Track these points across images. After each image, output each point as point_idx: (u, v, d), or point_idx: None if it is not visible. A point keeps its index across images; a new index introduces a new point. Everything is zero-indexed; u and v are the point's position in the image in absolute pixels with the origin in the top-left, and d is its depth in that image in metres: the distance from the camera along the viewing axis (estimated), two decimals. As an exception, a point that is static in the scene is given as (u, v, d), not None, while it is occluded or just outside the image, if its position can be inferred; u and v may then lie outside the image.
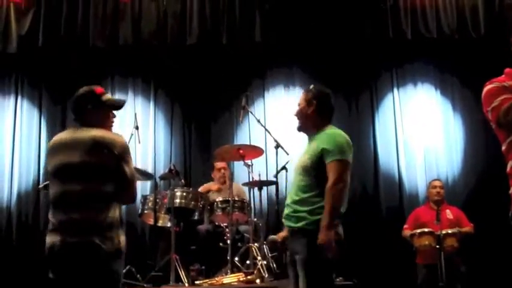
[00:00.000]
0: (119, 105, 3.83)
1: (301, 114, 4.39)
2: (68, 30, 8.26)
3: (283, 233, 4.33)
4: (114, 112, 3.81)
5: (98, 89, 3.76)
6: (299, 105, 4.43)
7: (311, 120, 4.30)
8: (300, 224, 4.00)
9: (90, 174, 3.44)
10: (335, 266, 4.05)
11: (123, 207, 3.79)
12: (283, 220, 4.21)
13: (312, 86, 4.47)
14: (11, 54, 8.38)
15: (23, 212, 8.70)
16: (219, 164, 7.82)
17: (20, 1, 8.13)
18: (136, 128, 7.42)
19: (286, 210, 4.17)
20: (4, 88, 9.01)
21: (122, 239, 3.49)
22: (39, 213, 8.67)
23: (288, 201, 4.19)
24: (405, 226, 7.58)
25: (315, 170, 4.04)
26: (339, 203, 3.95)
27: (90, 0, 8.24)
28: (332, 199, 3.91)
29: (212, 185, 7.82)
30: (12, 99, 8.97)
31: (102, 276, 3.41)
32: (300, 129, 4.44)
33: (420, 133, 8.98)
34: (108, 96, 3.81)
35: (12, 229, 8.60)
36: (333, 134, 4.16)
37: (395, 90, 9.12)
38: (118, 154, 3.48)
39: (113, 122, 3.80)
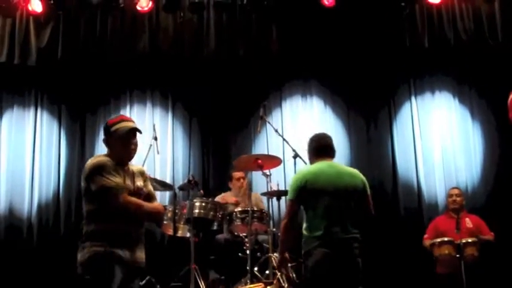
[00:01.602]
0: (123, 133, 4.07)
1: None
2: (86, 43, 8.37)
3: None
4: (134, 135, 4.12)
5: (112, 119, 4.23)
6: None
7: None
8: None
9: (83, 195, 4.04)
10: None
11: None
12: None
13: None
14: (31, 67, 8.49)
15: (43, 222, 8.80)
16: (237, 174, 7.84)
17: (39, 14, 8.20)
18: (155, 138, 7.49)
19: None
20: (24, 101, 9.12)
21: (84, 251, 3.88)
22: (60, 223, 8.76)
23: None
24: (425, 236, 7.55)
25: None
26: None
27: (108, 13, 8.32)
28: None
29: (229, 198, 7.82)
30: (32, 111, 9.08)
31: None
32: None
33: (439, 142, 8.93)
34: (118, 126, 4.10)
35: (33, 239, 8.71)
36: None
37: (413, 99, 9.09)
38: (85, 178, 3.96)
39: (131, 146, 4.11)
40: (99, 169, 3.91)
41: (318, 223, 4.80)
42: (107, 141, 4.13)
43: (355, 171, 5.16)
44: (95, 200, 3.92)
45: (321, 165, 5.01)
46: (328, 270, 4.70)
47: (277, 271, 5.40)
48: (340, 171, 5.02)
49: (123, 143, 4.06)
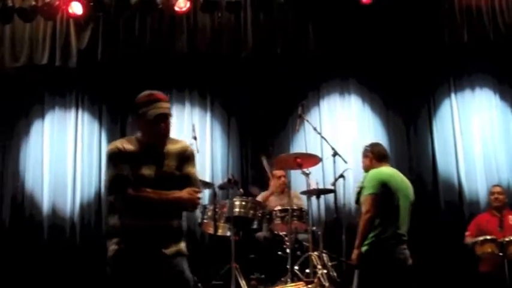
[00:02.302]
0: (151, 118, 3.58)
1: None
2: (125, 44, 8.44)
3: None
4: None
5: (140, 98, 3.66)
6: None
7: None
8: None
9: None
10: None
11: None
12: None
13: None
14: (72, 69, 8.59)
15: (85, 222, 8.95)
16: (278, 172, 7.85)
17: (79, 16, 8.31)
18: (195, 138, 7.53)
19: None
20: (65, 102, 9.29)
21: (111, 248, 3.56)
22: (101, 223, 8.90)
23: None
24: (467, 233, 7.45)
25: None
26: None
27: (146, 14, 8.39)
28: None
29: (267, 193, 7.84)
30: (73, 112, 9.24)
31: None
32: None
33: (479, 139, 8.82)
34: (145, 109, 3.57)
35: (76, 239, 8.86)
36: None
37: (452, 95, 8.99)
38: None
39: (161, 130, 3.61)
40: (108, 158, 3.59)
41: (391, 222, 5.21)
42: (135, 121, 3.70)
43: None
44: (109, 193, 3.60)
45: (389, 169, 5.55)
46: (400, 267, 5.20)
47: (354, 265, 5.33)
48: (403, 178, 5.57)
49: (153, 127, 3.57)
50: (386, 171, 5.48)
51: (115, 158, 3.52)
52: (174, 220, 3.62)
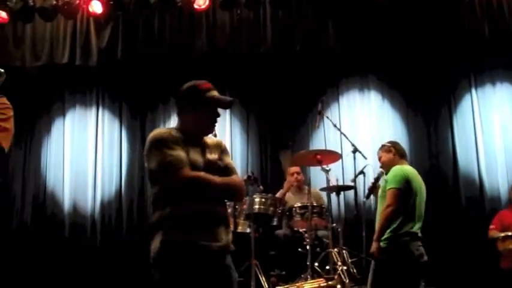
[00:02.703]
0: (224, 102, 3.55)
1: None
2: (145, 42, 8.48)
3: None
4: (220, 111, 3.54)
5: (203, 84, 3.51)
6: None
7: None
8: None
9: (148, 178, 3.47)
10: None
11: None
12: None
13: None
14: (92, 67, 8.66)
15: (106, 219, 9.03)
16: (292, 169, 7.84)
17: (99, 15, 8.36)
18: (214, 135, 7.51)
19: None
20: (86, 100, 9.38)
21: (157, 242, 3.30)
22: (122, 220, 8.96)
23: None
24: (492, 226, 7.38)
25: None
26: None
27: (165, 12, 8.42)
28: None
29: (282, 191, 7.81)
30: (93, 110, 9.34)
31: None
32: None
33: (500, 134, 8.73)
34: (213, 93, 3.49)
35: (97, 235, 8.96)
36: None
37: (473, 90, 8.91)
38: (145, 155, 3.40)
39: (215, 121, 3.51)
40: (156, 143, 3.30)
41: (408, 219, 5.34)
42: (191, 107, 3.45)
43: None
44: (158, 180, 3.33)
45: (411, 167, 5.73)
46: (416, 263, 5.32)
47: (374, 255, 5.39)
48: (420, 178, 5.69)
49: (214, 112, 3.47)
50: (410, 169, 5.65)
51: (168, 141, 3.30)
52: (222, 207, 3.50)
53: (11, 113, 3.04)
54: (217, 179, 3.34)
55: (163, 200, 3.30)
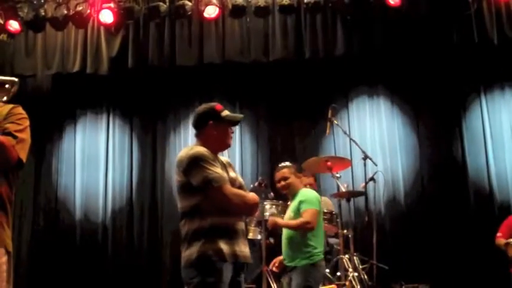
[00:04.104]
0: (236, 120, 4.07)
1: None
2: (155, 51, 8.53)
3: None
4: (232, 128, 4.02)
5: (218, 105, 3.98)
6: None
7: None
8: None
9: (179, 191, 3.79)
10: None
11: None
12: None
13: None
14: (103, 76, 8.73)
15: (117, 227, 9.08)
16: (305, 180, 7.79)
17: (109, 24, 8.42)
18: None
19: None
20: (97, 109, 9.45)
21: (195, 249, 3.60)
22: (133, 228, 9.01)
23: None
24: (498, 234, 7.38)
25: None
26: None
27: (175, 21, 8.48)
28: None
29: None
30: (104, 119, 9.41)
31: None
32: None
33: (510, 141, 8.72)
34: (227, 112, 3.97)
35: (108, 243, 9.02)
36: None
37: (482, 98, 8.93)
38: (183, 171, 3.70)
39: (231, 137, 3.97)
40: (199, 160, 3.66)
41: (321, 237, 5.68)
42: (212, 126, 3.88)
43: None
44: (197, 194, 3.65)
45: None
46: None
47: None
48: None
49: (229, 130, 3.94)
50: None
51: (209, 159, 3.69)
52: (244, 221, 3.94)
53: (27, 123, 3.05)
54: (249, 196, 3.80)
55: (204, 211, 3.64)
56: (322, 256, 5.53)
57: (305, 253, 5.45)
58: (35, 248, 8.95)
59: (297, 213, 5.61)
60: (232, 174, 3.86)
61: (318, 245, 5.52)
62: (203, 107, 4.02)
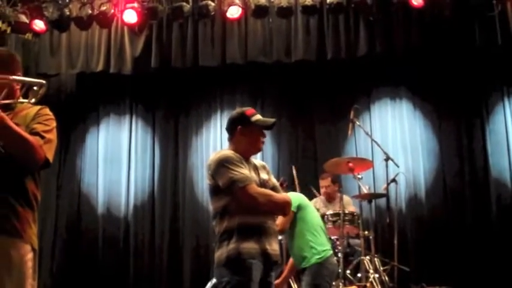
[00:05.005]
0: (267, 124, 4.05)
1: None
2: (178, 52, 8.58)
3: None
4: (265, 132, 4.06)
5: (248, 110, 4.07)
6: None
7: None
8: None
9: (210, 193, 3.94)
10: None
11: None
12: None
13: None
14: (126, 76, 8.81)
15: (139, 222, 9.18)
16: (321, 182, 7.81)
17: (133, 24, 8.47)
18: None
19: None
20: (120, 108, 9.53)
21: (225, 249, 3.72)
22: (155, 223, 9.12)
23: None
24: None
25: None
26: None
27: (198, 22, 8.52)
28: None
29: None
30: (127, 118, 9.49)
31: None
32: None
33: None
34: (258, 117, 4.02)
35: (129, 237, 9.13)
36: None
37: (506, 100, 8.84)
38: (211, 174, 3.84)
39: (263, 141, 4.05)
40: (225, 162, 3.78)
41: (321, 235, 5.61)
42: (240, 131, 3.98)
43: None
44: (225, 195, 3.78)
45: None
46: None
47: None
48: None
49: (259, 134, 4.00)
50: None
51: (235, 160, 3.80)
52: (275, 220, 4.08)
53: (54, 124, 3.12)
54: (277, 195, 3.87)
55: (232, 211, 3.76)
56: (328, 253, 5.50)
57: (309, 254, 5.46)
58: (58, 244, 9.05)
59: None
60: (264, 176, 3.95)
61: (320, 244, 5.49)
62: (235, 112, 4.15)
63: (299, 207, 5.60)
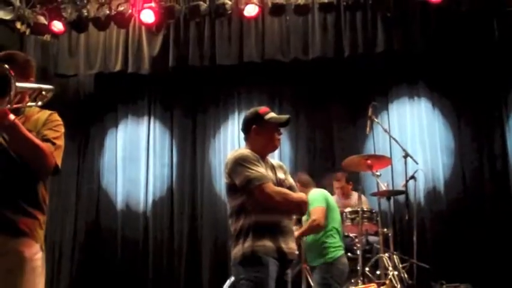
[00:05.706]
0: (282, 121, 4.07)
1: None
2: (195, 51, 8.59)
3: None
4: (281, 129, 4.09)
5: (262, 109, 4.11)
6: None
7: None
8: None
9: (227, 192, 4.00)
10: None
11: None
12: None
13: None
14: (144, 75, 8.85)
15: (157, 220, 9.23)
16: (335, 184, 7.79)
17: (150, 24, 8.50)
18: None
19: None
20: (138, 107, 9.58)
21: (241, 247, 3.77)
22: (173, 218, 9.19)
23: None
24: None
25: None
26: None
27: (215, 20, 8.53)
28: None
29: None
30: (145, 117, 9.54)
31: None
32: None
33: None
34: (272, 114, 4.06)
35: (148, 236, 9.17)
36: None
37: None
38: (228, 173, 3.89)
39: (278, 138, 4.08)
40: (241, 161, 3.83)
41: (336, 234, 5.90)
42: (255, 130, 4.02)
43: None
44: (241, 194, 3.81)
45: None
46: None
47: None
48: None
49: (275, 132, 4.04)
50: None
51: (252, 159, 3.84)
52: (292, 218, 4.11)
53: (63, 130, 3.20)
54: (293, 194, 3.90)
55: (248, 210, 3.79)
56: (340, 253, 5.53)
57: (321, 252, 5.48)
58: (78, 243, 9.13)
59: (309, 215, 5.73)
60: (280, 175, 3.98)
61: (333, 243, 5.53)
62: (248, 112, 4.20)
63: (328, 205, 5.64)
